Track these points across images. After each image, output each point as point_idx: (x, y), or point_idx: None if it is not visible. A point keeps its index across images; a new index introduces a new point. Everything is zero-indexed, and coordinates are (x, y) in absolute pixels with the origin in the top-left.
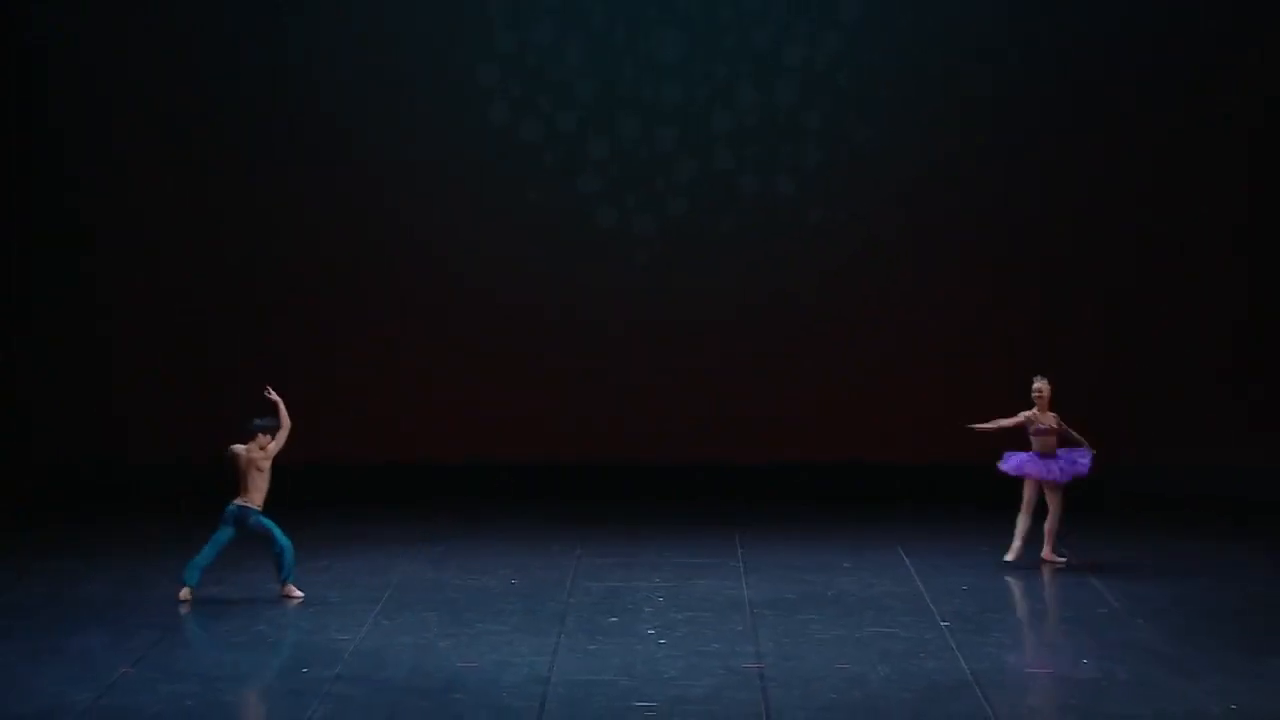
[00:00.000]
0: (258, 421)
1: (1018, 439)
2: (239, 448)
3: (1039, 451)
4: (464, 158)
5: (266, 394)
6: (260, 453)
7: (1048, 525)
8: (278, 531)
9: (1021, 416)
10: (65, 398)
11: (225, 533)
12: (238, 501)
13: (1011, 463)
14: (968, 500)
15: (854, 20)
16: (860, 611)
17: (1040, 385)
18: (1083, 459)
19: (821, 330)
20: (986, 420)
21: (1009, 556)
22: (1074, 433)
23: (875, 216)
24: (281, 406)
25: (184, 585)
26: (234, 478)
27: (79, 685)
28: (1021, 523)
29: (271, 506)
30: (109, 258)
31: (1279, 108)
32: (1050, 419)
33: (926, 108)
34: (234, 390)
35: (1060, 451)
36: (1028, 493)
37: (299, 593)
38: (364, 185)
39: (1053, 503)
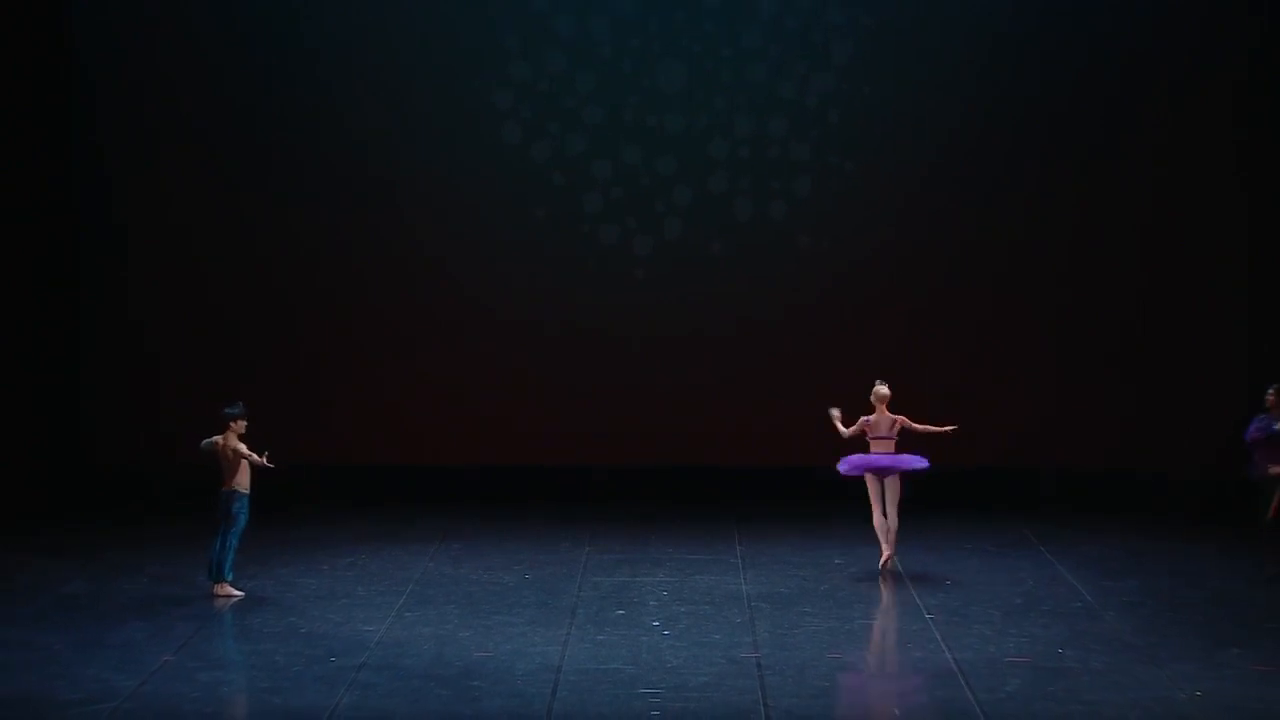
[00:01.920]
0: (228, 410)
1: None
2: (215, 439)
3: (877, 453)
4: (478, 176)
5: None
6: (234, 440)
7: (877, 523)
8: (237, 530)
9: (861, 423)
10: (111, 407)
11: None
12: (226, 487)
13: (847, 464)
14: (950, 502)
15: (844, 62)
16: (851, 604)
17: (880, 390)
18: (916, 461)
19: (810, 343)
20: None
21: (883, 561)
22: (931, 428)
23: (860, 241)
24: (262, 462)
25: (222, 582)
26: (216, 468)
27: (123, 673)
28: (878, 523)
29: (305, 506)
30: (151, 276)
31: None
32: (885, 424)
33: (910, 142)
34: (267, 398)
35: (901, 455)
36: (872, 492)
37: (237, 592)
38: (383, 202)
39: (881, 500)
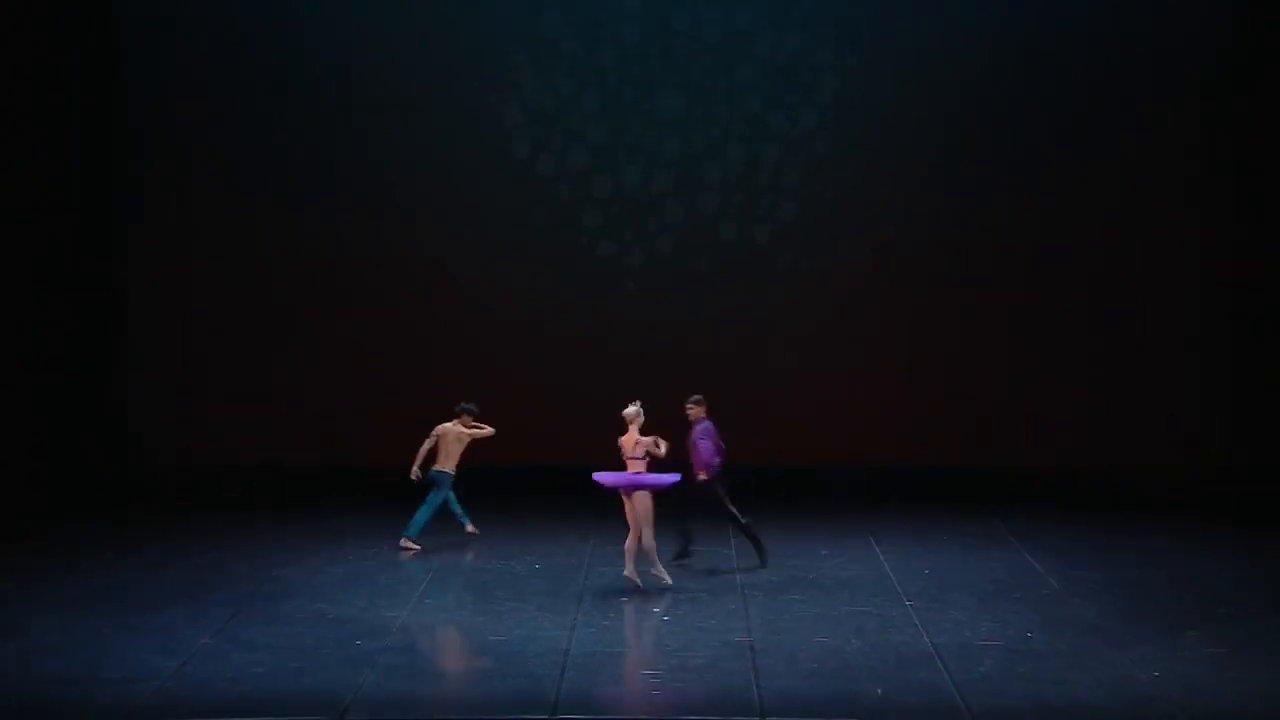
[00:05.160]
0: (463, 405)
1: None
2: (446, 425)
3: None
4: (485, 188)
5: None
6: (463, 429)
7: (627, 544)
8: (436, 497)
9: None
10: (150, 413)
11: (438, 494)
12: (436, 467)
13: (606, 479)
14: (926, 498)
15: (831, 99)
16: (836, 592)
17: (628, 412)
18: (657, 479)
19: (791, 353)
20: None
21: (654, 577)
22: (653, 455)
23: (840, 265)
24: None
25: (405, 537)
26: (437, 448)
27: (164, 655)
28: (629, 544)
29: (327, 501)
30: (158, 279)
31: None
32: (630, 444)
33: (889, 174)
34: (291, 406)
35: (645, 474)
36: (626, 511)
37: (414, 547)
38: (393, 210)
39: (633, 522)
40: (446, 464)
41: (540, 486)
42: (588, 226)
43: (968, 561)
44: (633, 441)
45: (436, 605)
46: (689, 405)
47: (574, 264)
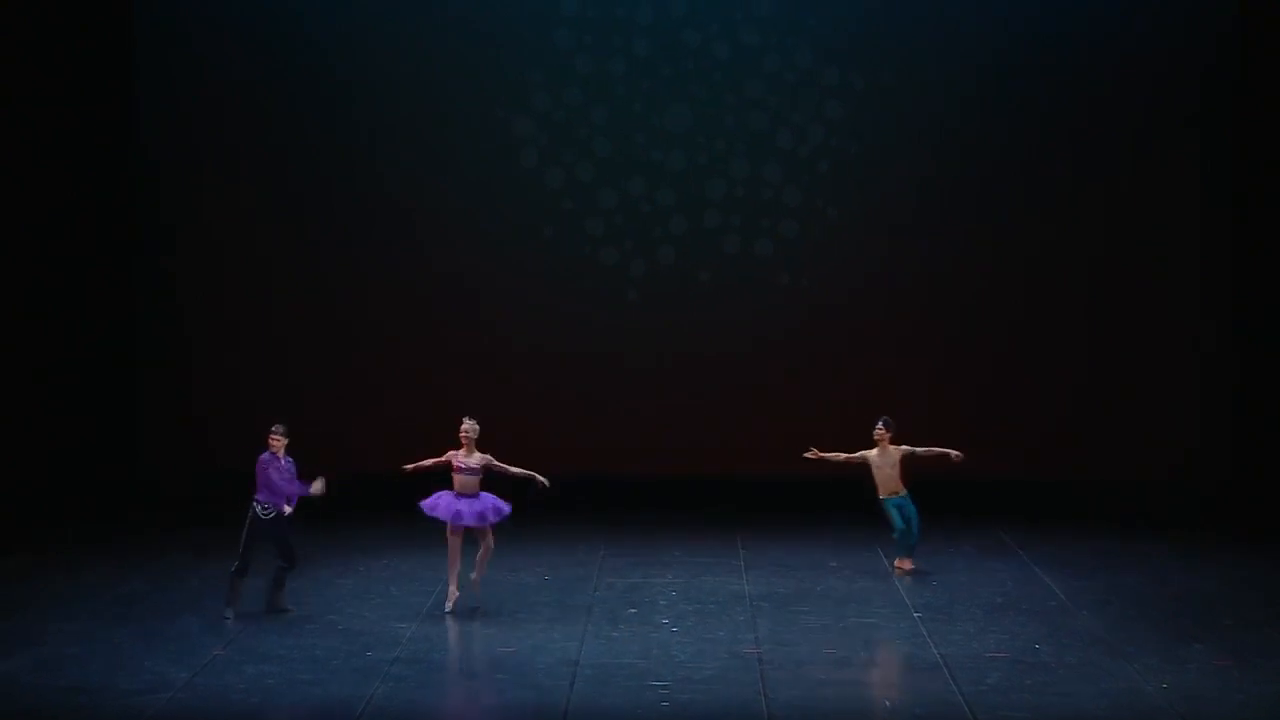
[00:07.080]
0: (887, 420)
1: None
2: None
3: (459, 491)
4: (494, 196)
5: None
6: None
7: (479, 556)
8: (906, 514)
9: (447, 456)
10: (166, 419)
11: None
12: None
13: (428, 502)
14: (932, 510)
15: (836, 118)
16: (845, 604)
17: (465, 426)
18: (501, 505)
19: (790, 366)
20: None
21: (448, 606)
22: (511, 469)
23: (840, 279)
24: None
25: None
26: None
27: (178, 665)
28: (451, 569)
29: (340, 512)
30: (185, 295)
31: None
32: (475, 459)
33: (890, 194)
34: (309, 410)
35: (485, 495)
36: (450, 539)
37: (908, 566)
38: (401, 220)
39: (481, 538)
40: (892, 490)
41: (553, 499)
42: (591, 236)
43: (974, 574)
44: (478, 459)
45: (446, 616)
46: (274, 436)
47: (578, 273)
